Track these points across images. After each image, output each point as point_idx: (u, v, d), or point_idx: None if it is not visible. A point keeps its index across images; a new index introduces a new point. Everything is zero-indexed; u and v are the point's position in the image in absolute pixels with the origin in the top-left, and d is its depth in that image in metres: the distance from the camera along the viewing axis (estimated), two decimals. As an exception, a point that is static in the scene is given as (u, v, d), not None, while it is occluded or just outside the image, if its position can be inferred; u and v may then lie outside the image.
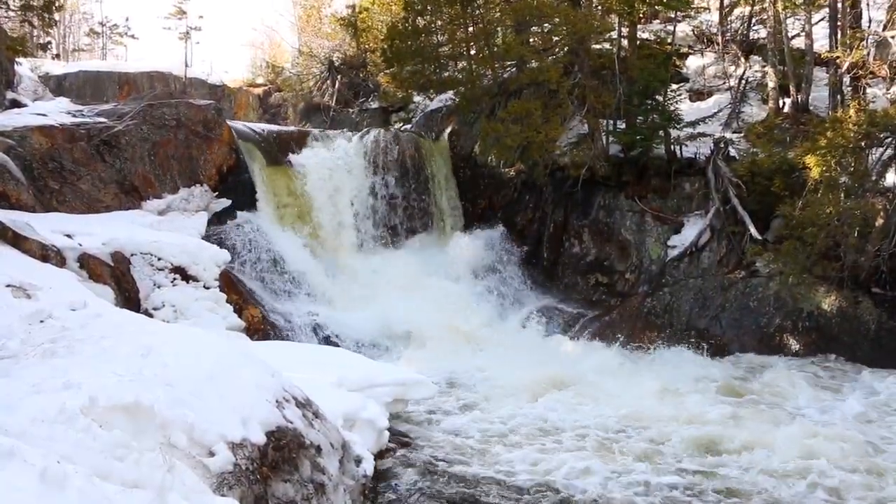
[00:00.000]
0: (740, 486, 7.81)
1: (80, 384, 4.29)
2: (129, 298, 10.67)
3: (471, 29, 18.70)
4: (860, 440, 8.96)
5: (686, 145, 16.39)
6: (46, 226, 10.62)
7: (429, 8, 18.73)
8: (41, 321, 5.73)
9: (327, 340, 13.45)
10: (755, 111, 17.83)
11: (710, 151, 15.88)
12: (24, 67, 21.42)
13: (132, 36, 39.34)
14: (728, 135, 16.84)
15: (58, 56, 33.92)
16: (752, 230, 14.17)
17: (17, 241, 9.02)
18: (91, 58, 36.47)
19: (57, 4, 16.10)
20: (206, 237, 13.59)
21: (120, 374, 4.62)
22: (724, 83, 19.59)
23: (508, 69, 18.59)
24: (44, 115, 14.18)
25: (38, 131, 13.35)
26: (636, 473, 8.06)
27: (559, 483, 7.78)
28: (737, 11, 21.87)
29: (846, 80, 16.00)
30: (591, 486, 7.69)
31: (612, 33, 18.06)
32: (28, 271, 7.85)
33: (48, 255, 9.48)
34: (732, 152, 15.98)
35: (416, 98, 23.46)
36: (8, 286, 6.47)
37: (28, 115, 14.12)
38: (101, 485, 3.49)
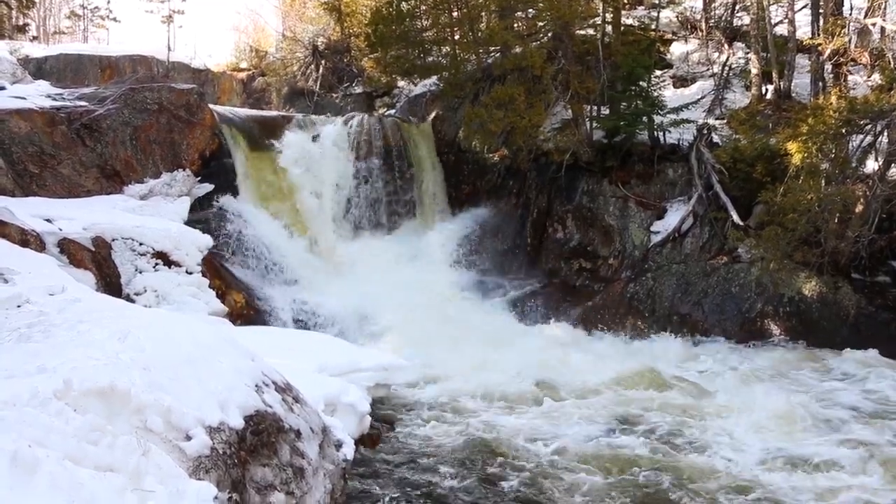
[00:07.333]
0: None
1: (54, 368, 4.25)
2: (110, 283, 10.61)
3: (455, 14, 18.64)
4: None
5: (669, 131, 16.41)
6: (26, 210, 10.55)
7: (413, -8, 18.69)
8: (18, 306, 5.69)
9: (309, 325, 13.46)
10: (738, 98, 17.86)
11: (693, 138, 15.95)
12: (2, 50, 21.15)
13: (114, 19, 38.75)
14: (711, 121, 16.86)
15: (37, 38, 33.47)
16: (734, 216, 14.22)
17: (-4, 225, 8.96)
18: (72, 41, 35.91)
19: (35, -14, 15.88)
20: (189, 222, 13.53)
21: (96, 359, 4.56)
22: (708, 70, 19.61)
23: (492, 54, 18.56)
24: (23, 98, 14.01)
25: (17, 115, 13.21)
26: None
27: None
28: (721, -2, 21.88)
29: (828, 67, 16.06)
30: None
31: (597, 19, 18.03)
32: (6, 256, 7.80)
33: (28, 239, 9.44)
34: (715, 139, 16.04)
35: (400, 83, 23.35)
36: (-16, 271, 6.42)
37: (7, 98, 13.94)
38: (73, 469, 3.45)
